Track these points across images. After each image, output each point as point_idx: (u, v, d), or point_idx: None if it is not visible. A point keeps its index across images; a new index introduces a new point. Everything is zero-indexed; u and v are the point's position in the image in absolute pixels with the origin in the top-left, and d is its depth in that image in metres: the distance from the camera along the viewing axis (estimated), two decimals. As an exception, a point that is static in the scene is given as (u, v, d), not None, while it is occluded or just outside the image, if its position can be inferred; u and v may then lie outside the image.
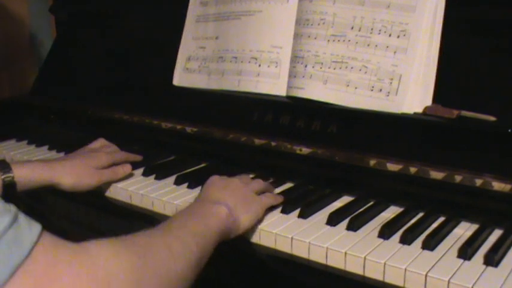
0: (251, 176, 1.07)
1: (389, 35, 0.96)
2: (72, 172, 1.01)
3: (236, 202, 0.84)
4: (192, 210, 0.81)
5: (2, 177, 0.94)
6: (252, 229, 0.86)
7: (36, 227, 0.55)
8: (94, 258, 0.58)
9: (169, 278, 0.65)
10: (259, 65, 1.11)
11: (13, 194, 0.95)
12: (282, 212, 0.91)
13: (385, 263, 0.74)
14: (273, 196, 0.93)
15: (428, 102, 0.94)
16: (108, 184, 1.06)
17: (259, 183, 0.94)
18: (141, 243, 0.66)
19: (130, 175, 1.10)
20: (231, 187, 0.88)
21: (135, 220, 1.01)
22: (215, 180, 0.90)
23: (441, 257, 0.75)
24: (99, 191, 1.06)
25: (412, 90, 0.94)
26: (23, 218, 0.55)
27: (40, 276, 0.53)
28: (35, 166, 0.99)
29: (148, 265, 0.63)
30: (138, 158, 1.15)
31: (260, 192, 0.92)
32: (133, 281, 0.60)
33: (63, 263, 0.55)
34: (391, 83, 0.95)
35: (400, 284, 0.73)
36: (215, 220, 0.79)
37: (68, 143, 1.29)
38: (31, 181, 0.97)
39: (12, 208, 0.55)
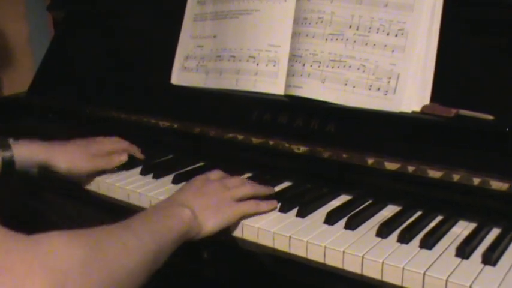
0: (248, 175, 1.07)
1: (387, 34, 0.96)
2: (68, 155, 1.03)
3: (204, 206, 0.84)
4: (156, 210, 0.82)
5: (2, 154, 0.96)
6: (250, 228, 0.86)
7: None
8: (46, 248, 0.58)
9: (121, 273, 0.66)
10: (257, 64, 1.11)
11: (11, 173, 0.97)
12: (280, 210, 0.91)
13: (383, 262, 0.74)
14: (254, 203, 0.90)
15: (427, 101, 0.94)
16: (107, 184, 1.06)
17: (244, 189, 0.92)
18: (96, 236, 0.66)
19: (129, 174, 1.10)
20: (205, 190, 0.88)
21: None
22: (194, 182, 0.91)
23: (439, 256, 0.75)
24: (96, 189, 1.06)
25: (410, 89, 0.94)
26: None
27: None
28: (34, 146, 1.02)
29: (100, 258, 0.63)
30: (138, 152, 1.16)
31: (246, 198, 0.91)
32: (85, 272, 0.60)
33: (15, 254, 0.55)
34: (389, 81, 0.95)
35: (398, 282, 0.73)
36: (176, 221, 0.79)
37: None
38: (29, 160, 0.99)
39: None
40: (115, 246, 0.67)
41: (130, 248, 0.68)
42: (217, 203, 0.86)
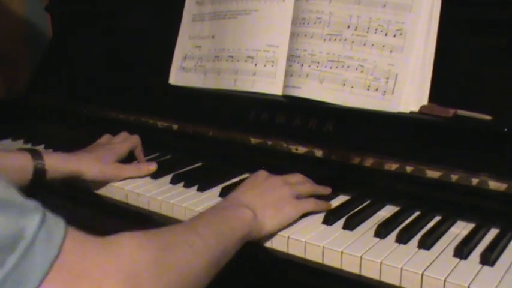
0: (246, 175, 1.07)
1: (386, 34, 0.96)
2: (97, 164, 1.03)
3: (265, 205, 0.83)
4: (218, 210, 0.81)
5: (34, 163, 0.96)
6: None
7: (61, 221, 0.55)
8: (120, 251, 0.58)
9: (189, 274, 0.66)
10: (256, 64, 1.11)
11: (41, 182, 0.97)
12: (278, 211, 0.91)
13: (381, 262, 0.74)
14: (314, 202, 0.90)
15: (425, 101, 0.94)
16: (104, 183, 1.06)
17: (306, 187, 0.92)
18: (164, 237, 0.66)
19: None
20: (266, 187, 0.87)
21: (132, 219, 1.01)
22: (255, 178, 0.90)
23: (437, 256, 0.75)
24: (95, 190, 1.06)
25: (408, 89, 0.94)
26: (49, 214, 0.55)
27: (70, 272, 0.53)
28: (63, 156, 1.02)
29: (170, 259, 0.63)
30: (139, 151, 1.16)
31: (307, 196, 0.91)
32: (156, 274, 0.60)
33: (91, 258, 0.55)
34: (387, 82, 0.95)
35: (397, 283, 0.73)
36: (239, 223, 0.78)
37: (63, 142, 1.29)
38: (59, 170, 0.99)
39: (38, 204, 0.55)
40: (182, 247, 0.66)
41: (197, 249, 0.68)
42: (278, 201, 0.85)
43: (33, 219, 0.52)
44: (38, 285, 0.50)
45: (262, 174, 0.91)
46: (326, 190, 0.96)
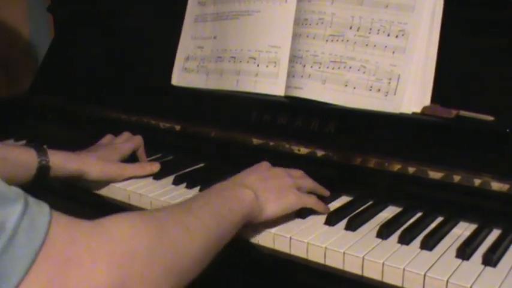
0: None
1: (388, 35, 0.96)
2: (100, 163, 1.03)
3: (267, 189, 0.82)
4: (217, 191, 0.79)
5: (38, 159, 0.96)
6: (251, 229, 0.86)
7: (45, 207, 0.54)
8: (111, 233, 0.57)
9: (185, 256, 0.64)
10: (258, 65, 1.11)
11: (45, 179, 0.97)
12: (281, 211, 0.91)
13: (383, 263, 0.74)
14: (315, 200, 0.89)
15: (427, 102, 0.94)
16: (106, 183, 1.06)
17: (309, 183, 0.92)
18: (160, 219, 0.65)
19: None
20: (269, 174, 0.87)
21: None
22: (258, 166, 0.89)
23: (439, 257, 0.75)
24: (97, 190, 1.06)
25: (410, 90, 0.94)
26: (32, 200, 0.54)
27: (59, 258, 0.52)
28: (67, 155, 1.02)
29: (165, 241, 0.62)
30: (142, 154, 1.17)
31: (308, 192, 0.90)
32: (150, 255, 0.59)
33: (80, 241, 0.54)
34: (389, 82, 0.95)
35: (399, 284, 0.73)
36: (239, 203, 0.77)
37: (66, 143, 1.29)
38: (63, 168, 0.99)
39: (20, 191, 0.53)
40: (178, 228, 0.65)
41: (193, 231, 0.67)
42: (280, 187, 0.84)
43: (14, 209, 0.50)
44: (23, 276, 0.49)
45: (265, 164, 0.91)
46: (325, 191, 0.95)
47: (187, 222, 0.67)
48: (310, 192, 0.91)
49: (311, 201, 0.88)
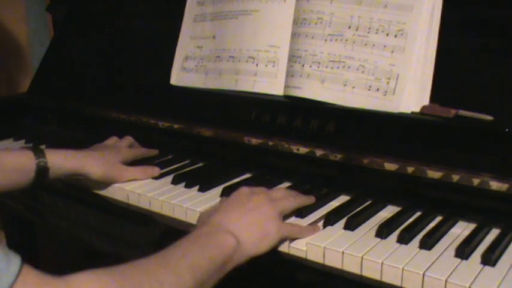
0: (247, 175, 1.07)
1: (387, 35, 0.96)
2: (101, 164, 1.02)
3: (248, 226, 0.79)
4: (197, 237, 0.76)
5: (36, 161, 0.95)
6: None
7: (15, 263, 0.53)
8: None
9: None
10: (257, 65, 1.11)
11: (44, 180, 0.97)
12: (280, 211, 0.91)
13: (382, 263, 0.74)
14: (299, 229, 0.84)
15: (426, 101, 0.94)
16: (106, 184, 1.06)
17: (291, 204, 0.87)
18: (131, 276, 0.63)
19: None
20: (250, 205, 0.82)
21: (133, 220, 1.01)
22: (238, 196, 0.85)
23: (438, 257, 0.75)
24: (96, 190, 1.06)
25: (409, 90, 0.94)
26: (4, 254, 0.52)
27: None
28: (67, 154, 1.00)
29: None
30: (155, 152, 1.18)
31: (291, 212, 0.87)
32: None
33: None
34: (388, 82, 0.95)
35: (398, 283, 0.73)
36: (219, 251, 0.74)
37: (65, 143, 1.29)
38: (63, 168, 0.98)
39: None
40: (151, 286, 0.63)
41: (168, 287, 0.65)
42: (261, 221, 0.80)
43: None
44: None
45: (244, 192, 0.85)
46: (310, 199, 0.92)
47: (162, 279, 0.65)
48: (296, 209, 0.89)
49: (294, 233, 0.83)
